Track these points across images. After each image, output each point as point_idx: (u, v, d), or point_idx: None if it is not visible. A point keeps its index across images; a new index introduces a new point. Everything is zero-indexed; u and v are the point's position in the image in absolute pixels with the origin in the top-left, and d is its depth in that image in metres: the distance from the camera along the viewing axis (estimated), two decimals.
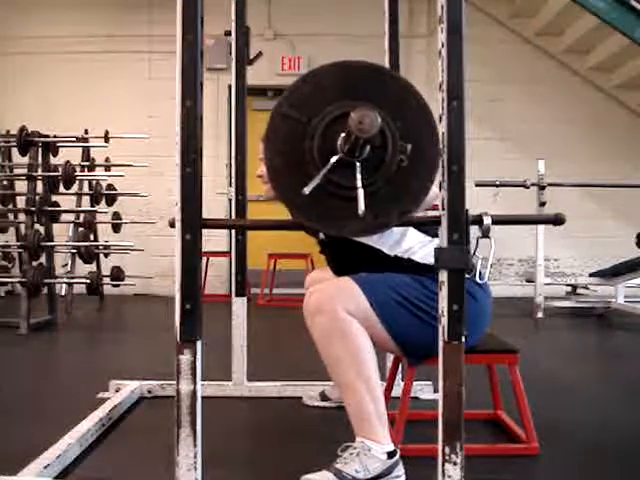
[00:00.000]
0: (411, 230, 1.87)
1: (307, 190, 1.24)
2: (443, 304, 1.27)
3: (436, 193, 1.72)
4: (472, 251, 1.32)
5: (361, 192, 1.23)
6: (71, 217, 5.28)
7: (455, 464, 1.25)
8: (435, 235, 1.87)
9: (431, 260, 1.77)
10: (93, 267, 5.31)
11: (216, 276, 6.29)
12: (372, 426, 1.63)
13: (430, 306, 1.68)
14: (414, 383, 1.97)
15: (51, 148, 4.61)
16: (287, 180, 1.28)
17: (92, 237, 5.27)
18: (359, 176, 1.24)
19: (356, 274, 1.79)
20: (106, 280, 5.42)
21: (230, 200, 5.44)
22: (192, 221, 1.27)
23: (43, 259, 4.41)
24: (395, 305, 1.71)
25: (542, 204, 4.86)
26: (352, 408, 1.65)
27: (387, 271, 1.81)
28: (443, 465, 1.26)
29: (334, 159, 1.25)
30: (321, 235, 1.93)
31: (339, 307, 1.65)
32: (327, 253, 2.03)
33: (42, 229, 4.42)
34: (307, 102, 1.29)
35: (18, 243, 4.71)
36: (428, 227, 1.88)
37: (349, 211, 1.25)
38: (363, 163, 1.25)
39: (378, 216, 1.29)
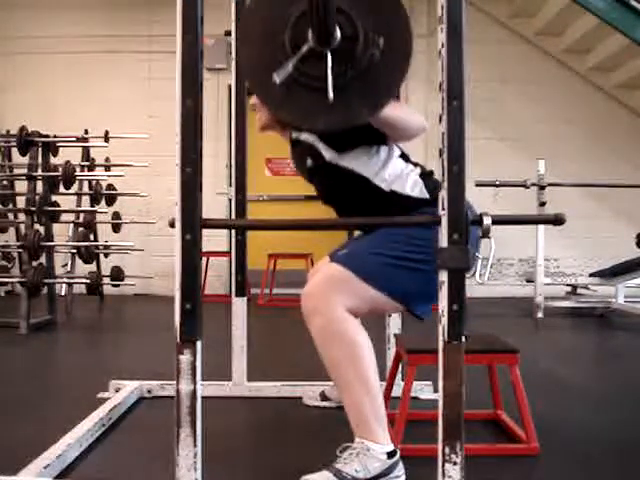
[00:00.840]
0: (395, 158, 1.85)
1: (277, 78, 1.26)
2: (443, 304, 1.26)
3: (421, 123, 1.73)
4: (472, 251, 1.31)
5: (330, 80, 1.25)
6: (71, 217, 5.28)
7: (455, 464, 1.25)
8: (416, 165, 1.89)
9: (416, 192, 1.80)
10: (93, 267, 5.31)
11: (216, 276, 6.29)
12: (371, 427, 1.63)
13: (421, 252, 1.69)
14: (414, 383, 1.97)
15: (51, 148, 4.61)
16: (261, 75, 1.30)
17: (92, 237, 5.27)
18: (329, 63, 1.26)
19: (338, 252, 1.79)
20: (106, 280, 5.42)
21: (230, 200, 5.45)
22: (192, 221, 1.27)
23: (43, 259, 4.41)
24: (388, 269, 1.70)
25: (542, 204, 4.86)
26: (351, 409, 1.65)
27: (371, 203, 1.81)
28: (443, 465, 1.26)
29: (304, 47, 1.27)
30: (308, 162, 1.92)
31: (336, 306, 1.64)
32: (315, 181, 1.99)
33: (42, 229, 4.42)
34: None
35: (18, 243, 4.71)
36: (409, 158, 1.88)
37: (321, 104, 1.27)
38: (334, 54, 1.27)
39: (349, 108, 1.30)
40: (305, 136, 1.88)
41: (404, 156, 1.89)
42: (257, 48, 1.32)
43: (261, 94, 1.35)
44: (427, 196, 1.79)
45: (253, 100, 1.99)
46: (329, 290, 1.68)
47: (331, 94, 1.25)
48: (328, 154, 1.83)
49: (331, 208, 1.99)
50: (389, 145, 1.85)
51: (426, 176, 1.86)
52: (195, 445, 1.27)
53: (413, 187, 1.81)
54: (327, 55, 1.27)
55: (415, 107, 6.30)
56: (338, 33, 1.27)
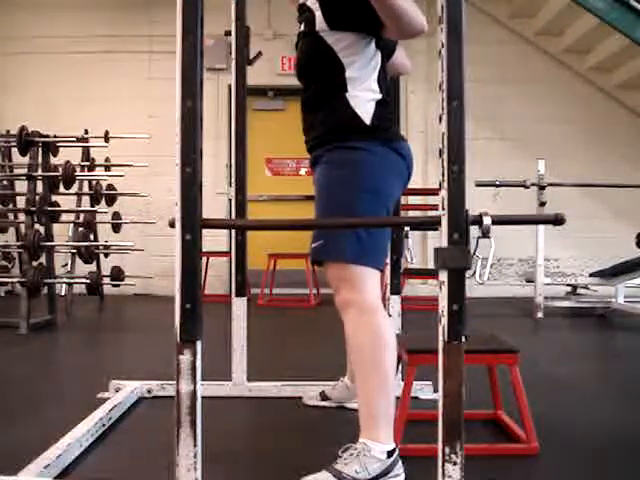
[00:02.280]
0: (374, 70, 1.84)
1: None
2: (443, 304, 1.26)
3: (422, 22, 1.69)
4: (472, 251, 1.31)
5: None
6: (71, 217, 5.28)
7: (455, 464, 1.25)
8: (383, 89, 1.85)
9: (360, 111, 1.79)
10: (93, 267, 5.31)
11: (216, 276, 6.29)
12: (378, 423, 1.64)
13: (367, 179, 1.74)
14: (414, 383, 1.97)
15: (51, 148, 4.61)
16: None
17: (92, 237, 5.27)
18: None
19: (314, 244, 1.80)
20: (106, 280, 5.42)
21: (230, 200, 5.45)
22: (192, 221, 1.27)
23: (43, 259, 4.41)
24: (372, 237, 1.74)
25: (542, 204, 4.87)
26: (363, 400, 1.69)
27: (330, 104, 1.82)
28: (443, 465, 1.26)
29: None
30: (301, 27, 1.92)
31: (367, 293, 1.71)
32: (298, 47, 1.96)
33: (42, 229, 4.42)
34: None
35: (18, 243, 4.72)
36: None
37: None
38: None
39: None
40: (310, 1, 1.88)
41: (380, 79, 1.86)
42: None
43: None
44: (366, 123, 1.79)
45: None
46: (351, 286, 1.72)
47: None
48: (320, 24, 1.82)
49: (301, 83, 1.98)
50: (376, 53, 1.83)
51: (382, 105, 1.84)
52: (195, 445, 1.27)
53: (363, 106, 1.81)
54: None
55: (415, 107, 6.30)
56: None
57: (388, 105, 1.88)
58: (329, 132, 1.82)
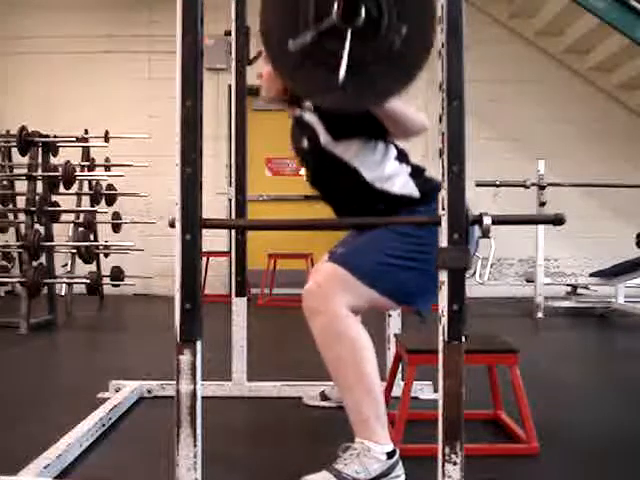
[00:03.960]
0: (391, 160, 1.85)
1: (292, 46, 1.25)
2: (443, 304, 1.26)
3: (425, 123, 1.72)
4: (472, 251, 1.31)
5: (345, 59, 1.23)
6: (71, 217, 5.28)
7: (455, 464, 1.25)
8: (409, 164, 1.87)
9: (406, 191, 1.80)
10: (93, 267, 5.31)
11: (216, 276, 6.29)
12: (371, 427, 1.63)
13: (416, 251, 1.69)
14: (414, 383, 1.97)
15: (51, 148, 4.61)
16: (278, 39, 1.28)
17: (92, 237, 5.27)
18: (347, 42, 1.24)
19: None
20: (106, 280, 5.42)
21: (230, 200, 5.45)
22: (192, 221, 1.27)
23: (43, 259, 4.41)
24: (387, 269, 1.70)
25: (542, 204, 4.87)
26: (351, 408, 1.65)
27: (358, 196, 1.81)
28: (443, 465, 1.26)
29: (326, 22, 1.25)
30: (304, 143, 1.92)
31: (336, 305, 1.64)
32: (306, 163, 1.99)
33: (42, 229, 4.42)
34: None
35: (18, 243, 4.71)
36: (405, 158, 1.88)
37: (332, 82, 1.25)
38: (355, 33, 1.25)
39: (359, 92, 1.28)
40: (308, 117, 1.87)
41: (400, 155, 1.88)
42: (279, 11, 1.30)
43: (274, 59, 1.31)
44: (417, 195, 1.79)
45: (262, 72, 1.95)
46: (329, 289, 1.67)
47: (342, 74, 1.23)
48: (324, 138, 1.82)
49: (318, 192, 1.98)
50: (387, 145, 1.84)
51: (417, 174, 1.85)
52: (195, 445, 1.27)
53: (402, 187, 1.81)
54: (347, 33, 1.24)
55: (415, 107, 6.29)
56: (363, 13, 1.25)
57: (422, 169, 1.88)
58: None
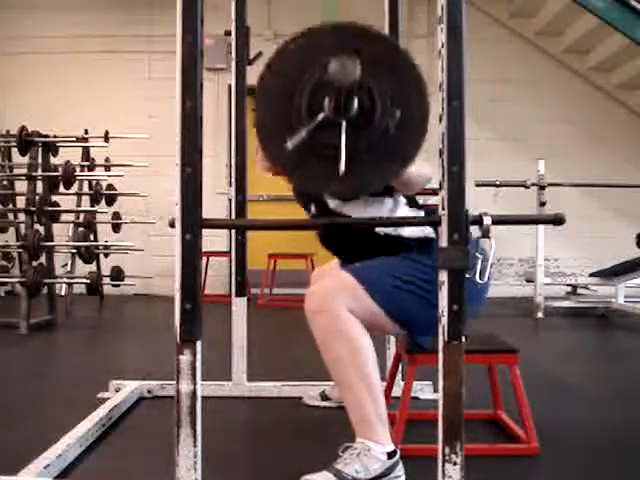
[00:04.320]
0: (401, 207, 1.85)
1: (290, 145, 1.25)
2: (443, 304, 1.27)
3: (430, 175, 1.73)
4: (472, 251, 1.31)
5: (344, 151, 1.24)
6: (71, 217, 5.28)
7: (455, 464, 1.25)
8: (420, 208, 1.88)
9: (419, 233, 1.80)
10: (93, 267, 5.31)
11: (216, 276, 6.29)
12: (372, 426, 1.63)
13: (427, 281, 1.68)
14: (414, 383, 1.97)
15: (51, 148, 4.61)
16: (274, 136, 1.30)
17: (92, 237, 5.27)
18: (344, 134, 1.25)
19: (350, 263, 1.79)
20: (106, 280, 5.42)
21: (230, 200, 5.45)
22: (192, 221, 1.27)
23: (43, 259, 4.41)
24: (395, 291, 1.71)
25: (542, 204, 4.86)
26: (352, 408, 1.65)
27: (376, 250, 1.80)
28: (443, 465, 1.26)
29: (320, 116, 1.26)
30: (312, 209, 1.93)
31: (339, 306, 1.64)
32: (318, 227, 2.00)
33: (42, 229, 4.42)
34: (298, 59, 1.30)
35: (18, 243, 4.71)
36: (415, 202, 1.89)
37: (332, 172, 1.26)
38: (350, 124, 1.26)
39: (360, 178, 1.29)
40: None
41: (410, 202, 1.88)
42: (273, 109, 1.30)
43: (273, 157, 1.32)
44: (433, 235, 1.79)
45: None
46: (334, 291, 1.68)
47: (343, 166, 1.23)
48: (332, 202, 1.83)
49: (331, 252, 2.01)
50: (394, 196, 1.85)
51: (431, 215, 1.85)
52: (195, 445, 1.27)
53: (419, 230, 1.80)
54: (342, 126, 1.25)
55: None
56: (356, 105, 1.26)
57: (433, 210, 1.88)
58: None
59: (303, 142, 1.26)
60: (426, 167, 1.73)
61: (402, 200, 1.87)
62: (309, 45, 1.29)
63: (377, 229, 1.80)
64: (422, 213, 1.87)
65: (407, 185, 1.71)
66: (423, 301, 1.69)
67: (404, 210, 1.86)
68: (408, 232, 1.80)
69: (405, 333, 1.81)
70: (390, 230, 1.80)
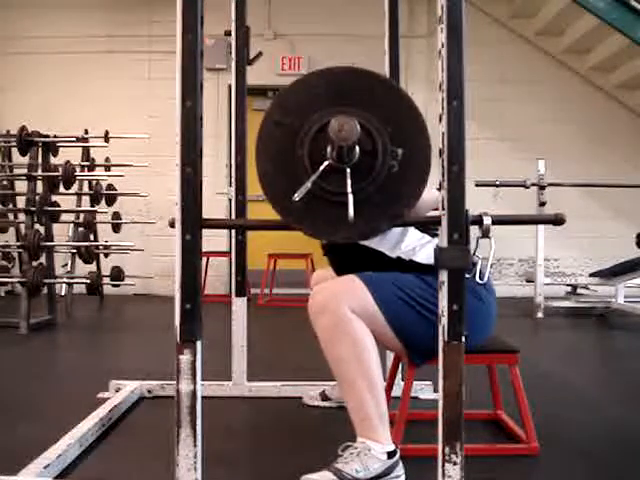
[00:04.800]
0: (411, 230, 1.87)
1: (297, 197, 1.25)
2: (443, 304, 1.27)
3: (436, 197, 1.73)
4: (472, 251, 1.31)
5: (351, 198, 1.24)
6: (71, 217, 5.28)
7: (455, 464, 1.25)
8: (435, 235, 1.88)
9: (432, 260, 1.79)
10: (93, 267, 5.31)
11: (216, 276, 6.29)
12: (373, 426, 1.63)
13: (433, 303, 1.68)
14: (414, 383, 1.97)
15: (51, 148, 4.61)
16: (279, 186, 1.30)
17: (92, 237, 5.27)
18: (349, 182, 1.25)
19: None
20: (106, 280, 5.42)
21: (230, 200, 5.45)
22: (192, 221, 1.27)
23: (43, 259, 4.41)
24: (401, 303, 1.71)
25: (542, 204, 4.87)
26: (353, 407, 1.65)
27: (389, 270, 1.81)
28: (443, 465, 1.26)
29: (323, 165, 1.26)
30: (322, 240, 1.93)
31: (343, 306, 1.65)
32: (330, 256, 2.03)
33: (42, 229, 4.42)
34: (297, 109, 1.30)
35: (18, 243, 4.71)
36: (427, 226, 1.88)
37: (340, 217, 1.26)
38: (353, 168, 1.26)
39: (369, 221, 1.30)
40: None
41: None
42: (274, 158, 1.31)
43: (279, 207, 1.32)
44: None
45: None
46: (339, 292, 1.68)
47: (352, 213, 1.23)
48: None
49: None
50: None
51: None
52: (195, 445, 1.27)
53: (429, 257, 1.80)
54: (347, 172, 1.25)
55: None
56: (357, 150, 1.26)
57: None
58: None
59: (308, 191, 1.26)
60: (432, 192, 1.73)
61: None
62: (308, 94, 1.29)
63: (393, 256, 1.82)
64: (434, 241, 1.85)
65: (416, 212, 1.71)
66: (425, 321, 1.69)
67: (414, 235, 1.86)
68: (421, 258, 1.81)
69: (404, 351, 1.80)
70: (402, 254, 1.81)
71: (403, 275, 1.77)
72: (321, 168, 1.26)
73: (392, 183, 1.29)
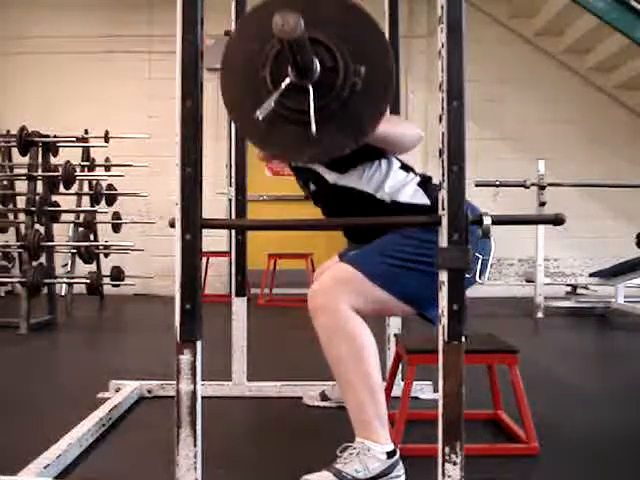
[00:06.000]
0: (395, 170, 1.85)
1: (260, 114, 1.25)
2: (443, 304, 1.26)
3: (417, 133, 1.75)
4: (472, 251, 1.31)
5: (312, 114, 1.24)
6: (71, 217, 5.28)
7: (455, 464, 1.25)
8: (413, 170, 1.89)
9: (416, 200, 1.80)
10: (93, 267, 5.31)
11: (216, 276, 6.29)
12: (372, 426, 1.63)
13: (423, 254, 1.68)
14: (414, 383, 1.97)
15: (51, 148, 4.61)
16: (244, 109, 1.31)
17: (92, 237, 5.27)
18: (311, 98, 1.25)
19: (347, 253, 1.79)
20: (106, 280, 5.42)
21: (230, 200, 5.45)
22: (192, 221, 1.27)
23: (43, 259, 4.41)
24: (396, 270, 1.70)
25: (542, 204, 4.86)
26: (352, 408, 1.66)
27: (374, 215, 1.80)
28: (443, 465, 1.26)
29: (285, 83, 1.26)
30: (311, 187, 1.93)
31: (342, 304, 1.65)
32: (320, 204, 2.00)
33: (42, 229, 4.42)
34: (258, 31, 1.30)
35: (18, 243, 4.71)
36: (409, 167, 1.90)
37: (306, 137, 1.27)
38: (315, 86, 1.26)
39: (334, 139, 1.30)
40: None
41: (404, 166, 1.89)
42: (239, 83, 1.32)
43: (245, 130, 1.35)
44: (428, 202, 1.79)
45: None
46: (336, 288, 1.68)
47: (314, 128, 1.24)
48: (330, 177, 1.83)
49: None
50: (388, 158, 1.85)
51: (425, 183, 1.86)
52: (195, 445, 1.27)
53: (413, 195, 1.81)
54: (309, 89, 1.26)
55: (415, 107, 6.30)
56: (317, 66, 1.26)
57: (429, 178, 1.89)
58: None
59: (273, 111, 1.26)
60: (411, 126, 1.75)
61: (396, 164, 1.87)
62: (266, 17, 1.27)
63: (380, 197, 1.81)
64: (416, 179, 1.86)
65: (395, 145, 1.73)
66: (425, 276, 1.67)
67: (398, 174, 1.85)
68: (404, 196, 1.80)
69: (415, 312, 1.80)
70: (386, 196, 1.80)
71: (387, 240, 1.76)
72: (282, 85, 1.26)
73: (356, 101, 1.28)
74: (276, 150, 1.35)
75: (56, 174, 4.53)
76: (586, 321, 4.85)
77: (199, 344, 1.28)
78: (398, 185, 1.82)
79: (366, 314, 1.71)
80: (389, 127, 1.66)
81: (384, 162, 1.84)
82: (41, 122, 4.95)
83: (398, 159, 1.89)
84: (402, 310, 1.77)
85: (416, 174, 1.89)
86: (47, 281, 4.33)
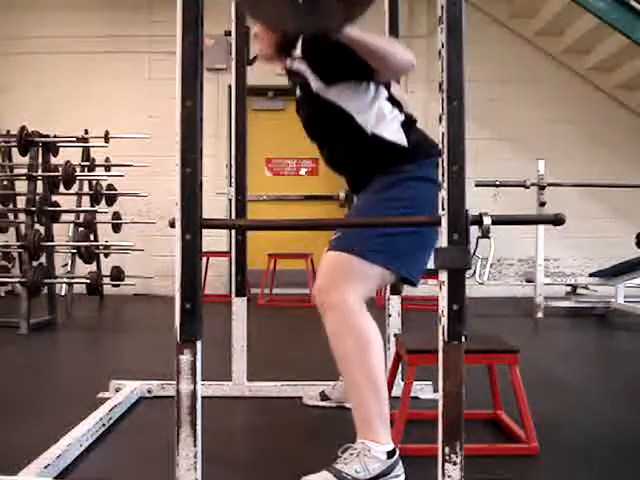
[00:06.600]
0: (382, 99, 1.85)
1: None
2: (443, 304, 1.26)
3: (410, 59, 1.73)
4: (472, 251, 1.31)
5: None
6: (71, 217, 5.28)
7: (455, 464, 1.25)
8: (398, 104, 1.88)
9: (396, 138, 1.80)
10: (93, 267, 5.31)
11: (216, 276, 6.29)
12: (373, 425, 1.63)
13: (406, 198, 1.72)
14: (414, 383, 1.97)
15: (51, 148, 4.61)
16: None
17: (92, 237, 5.27)
18: None
19: (333, 240, 1.80)
20: (106, 280, 5.42)
21: (230, 200, 5.45)
22: (192, 221, 1.27)
23: (43, 259, 4.41)
24: (386, 239, 1.71)
25: (542, 204, 4.87)
26: (356, 405, 1.67)
27: (352, 143, 1.83)
28: (443, 465, 1.26)
29: None
30: (297, 92, 1.94)
31: (349, 296, 1.67)
32: (301, 112, 2.01)
33: (42, 229, 4.42)
34: None
35: (18, 243, 4.71)
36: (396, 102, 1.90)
37: (293, 6, 1.25)
38: None
39: (321, 15, 1.28)
40: (297, 65, 1.89)
41: (392, 99, 1.88)
42: None
43: None
44: (405, 144, 1.80)
45: (256, 29, 1.99)
46: (337, 281, 1.69)
47: None
48: (315, 84, 1.84)
49: (315, 144, 2.01)
50: (377, 86, 1.85)
51: (409, 124, 1.86)
52: (195, 445, 1.27)
53: (394, 134, 1.81)
54: None
55: (415, 107, 6.30)
56: None
57: (413, 120, 1.89)
58: (374, 171, 1.83)
59: None
60: (406, 51, 1.73)
61: (384, 93, 1.86)
62: None
63: (360, 122, 1.80)
64: (401, 117, 1.86)
65: (384, 61, 1.71)
66: (412, 236, 1.71)
67: (384, 104, 1.85)
68: (388, 133, 1.81)
69: (393, 273, 1.78)
70: (369, 126, 1.80)
71: (365, 208, 1.78)
72: None
73: None
74: (263, 17, 1.34)
75: (56, 174, 4.53)
76: (586, 321, 4.85)
77: (199, 344, 1.28)
78: (381, 117, 1.82)
79: (372, 292, 1.74)
80: (382, 41, 1.67)
81: (372, 86, 1.83)
82: (41, 122, 4.95)
83: (388, 90, 1.88)
84: (391, 278, 1.79)
85: (401, 111, 1.88)
86: (47, 281, 4.33)
